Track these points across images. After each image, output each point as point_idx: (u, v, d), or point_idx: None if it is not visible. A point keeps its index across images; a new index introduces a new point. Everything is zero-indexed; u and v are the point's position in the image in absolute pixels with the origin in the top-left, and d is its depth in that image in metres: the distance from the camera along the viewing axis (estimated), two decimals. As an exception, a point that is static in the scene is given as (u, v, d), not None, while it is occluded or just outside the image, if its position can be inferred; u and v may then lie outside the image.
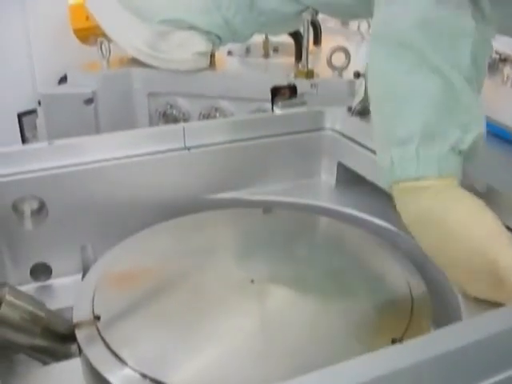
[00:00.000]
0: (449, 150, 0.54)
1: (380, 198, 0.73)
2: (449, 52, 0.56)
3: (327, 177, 0.85)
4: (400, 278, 0.60)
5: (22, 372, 0.56)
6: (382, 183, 0.59)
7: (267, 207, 0.75)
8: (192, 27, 1.00)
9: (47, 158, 0.69)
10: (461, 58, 0.56)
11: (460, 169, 0.55)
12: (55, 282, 0.72)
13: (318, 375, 0.34)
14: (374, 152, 0.74)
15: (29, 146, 0.75)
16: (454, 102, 0.55)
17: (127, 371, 0.48)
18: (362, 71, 0.80)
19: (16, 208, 0.69)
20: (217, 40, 1.03)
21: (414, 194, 0.54)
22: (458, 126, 0.55)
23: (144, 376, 0.47)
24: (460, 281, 0.54)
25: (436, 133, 0.54)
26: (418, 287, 0.59)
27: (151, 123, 1.05)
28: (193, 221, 0.73)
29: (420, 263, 0.64)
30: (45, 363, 0.57)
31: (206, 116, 1.01)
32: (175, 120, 1.02)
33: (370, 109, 0.61)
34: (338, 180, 0.83)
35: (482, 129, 0.56)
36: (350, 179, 0.81)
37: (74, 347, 0.56)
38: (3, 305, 0.52)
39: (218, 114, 1.01)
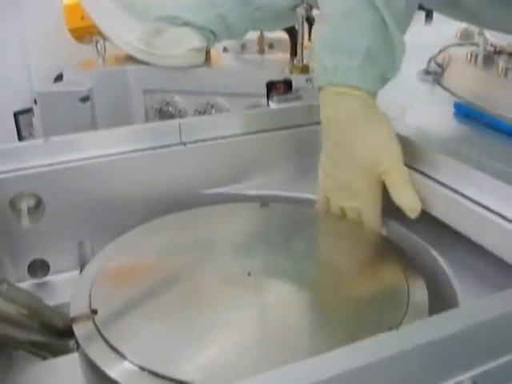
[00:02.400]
0: (380, 74, 0.68)
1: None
2: None
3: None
4: (396, 269, 0.61)
5: (21, 367, 0.56)
6: (318, 82, 0.72)
7: (264, 201, 0.75)
8: (187, 23, 1.01)
9: (43, 155, 0.70)
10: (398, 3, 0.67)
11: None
12: (53, 278, 0.72)
13: (315, 361, 0.35)
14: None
15: (25, 143, 0.75)
16: (386, 37, 0.67)
17: (125, 364, 0.48)
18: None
19: (13, 205, 0.69)
20: (212, 36, 1.03)
21: (348, 99, 0.67)
22: (387, 57, 0.68)
23: (142, 369, 0.47)
24: (340, 175, 0.69)
25: (374, 56, 0.67)
26: (415, 278, 0.59)
27: (147, 120, 1.05)
28: (190, 216, 0.73)
29: (416, 254, 0.64)
30: (43, 358, 0.57)
31: (202, 112, 1.01)
32: (171, 117, 1.02)
33: (322, 21, 0.73)
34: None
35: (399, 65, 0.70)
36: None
37: (72, 342, 0.56)
38: (1, 300, 0.53)
39: (213, 111, 1.01)
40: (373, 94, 0.68)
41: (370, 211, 0.68)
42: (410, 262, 0.62)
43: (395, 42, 0.67)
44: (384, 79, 0.69)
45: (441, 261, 0.61)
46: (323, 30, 0.71)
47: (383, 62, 0.68)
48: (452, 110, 0.83)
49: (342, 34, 0.68)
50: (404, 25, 0.69)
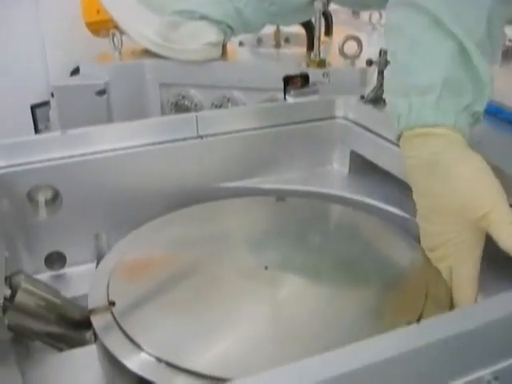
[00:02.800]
0: (464, 106, 0.59)
1: (393, 185, 0.74)
2: (463, 16, 0.58)
3: (340, 165, 0.85)
4: (415, 265, 0.60)
5: (38, 358, 0.56)
6: (395, 127, 0.62)
7: (280, 195, 0.75)
8: (204, 18, 1.00)
9: (61, 148, 0.70)
10: (475, 24, 0.58)
11: (469, 130, 0.60)
12: (69, 270, 0.72)
13: (333, 355, 0.35)
14: (387, 140, 0.74)
15: (42, 136, 0.76)
16: (467, 65, 0.58)
17: (143, 356, 0.48)
18: (374, 59, 0.80)
19: (31, 197, 0.69)
20: (228, 30, 1.03)
21: (427, 139, 0.59)
22: (472, 88, 0.59)
23: (159, 360, 0.47)
24: (431, 231, 0.59)
25: (454, 88, 0.58)
26: (433, 274, 0.58)
27: (163, 114, 1.05)
28: (206, 209, 0.73)
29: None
30: (60, 350, 0.57)
31: (218, 106, 1.01)
32: (187, 110, 1.02)
33: (388, 59, 0.65)
34: (350, 168, 0.83)
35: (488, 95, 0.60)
36: (362, 167, 0.81)
37: (88, 334, 0.57)
38: (19, 292, 0.53)
39: (230, 105, 1.01)
40: (461, 131, 0.58)
41: (462, 271, 0.56)
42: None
43: (480, 70, 0.58)
44: (473, 113, 0.60)
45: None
46: (389, 72, 0.65)
47: (467, 94, 0.59)
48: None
49: (411, 71, 0.60)
50: (487, 51, 0.59)
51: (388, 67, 0.65)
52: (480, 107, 0.60)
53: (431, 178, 0.57)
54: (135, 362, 0.47)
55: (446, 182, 0.56)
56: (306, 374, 0.34)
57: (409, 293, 0.56)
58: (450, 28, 0.58)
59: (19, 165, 0.68)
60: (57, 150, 0.70)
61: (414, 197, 0.61)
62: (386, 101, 0.64)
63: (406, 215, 0.70)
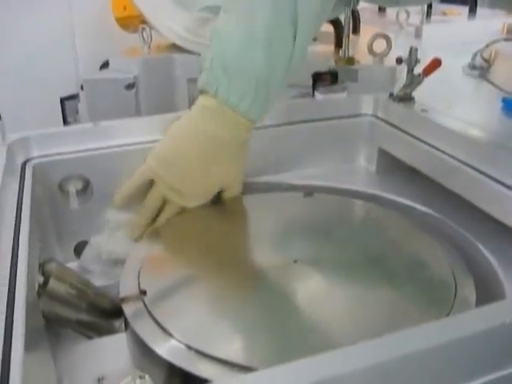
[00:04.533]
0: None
1: (421, 183, 0.73)
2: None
3: (368, 162, 0.85)
4: (443, 263, 0.60)
5: (68, 346, 0.56)
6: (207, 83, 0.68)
7: (308, 191, 0.75)
8: (232, 14, 1.01)
9: (92, 139, 0.71)
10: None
11: None
12: (97, 260, 0.73)
13: (361, 347, 0.35)
14: (415, 137, 0.74)
15: (75, 127, 0.76)
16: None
17: (173, 343, 0.48)
18: (404, 57, 0.80)
19: (62, 187, 0.70)
20: (256, 26, 1.03)
21: (243, 125, 0.68)
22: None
23: (189, 347, 0.47)
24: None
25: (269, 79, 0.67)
26: (462, 272, 0.58)
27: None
28: (235, 204, 0.73)
29: (462, 248, 0.64)
30: (89, 338, 0.58)
31: (246, 102, 1.01)
32: (215, 106, 1.02)
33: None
34: (378, 165, 0.83)
35: None
36: (390, 165, 0.81)
37: (117, 323, 0.57)
38: (51, 279, 0.54)
39: (257, 100, 1.01)
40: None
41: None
42: (457, 256, 0.61)
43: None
44: None
45: (488, 255, 0.61)
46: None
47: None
48: (499, 104, 0.82)
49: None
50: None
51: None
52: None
53: (225, 149, 0.68)
54: (165, 349, 0.48)
55: (230, 160, 0.69)
56: (329, 366, 0.35)
57: (437, 293, 0.56)
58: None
59: (52, 155, 0.69)
60: (88, 141, 0.71)
61: (197, 138, 0.68)
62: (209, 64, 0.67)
63: (435, 213, 0.70)
